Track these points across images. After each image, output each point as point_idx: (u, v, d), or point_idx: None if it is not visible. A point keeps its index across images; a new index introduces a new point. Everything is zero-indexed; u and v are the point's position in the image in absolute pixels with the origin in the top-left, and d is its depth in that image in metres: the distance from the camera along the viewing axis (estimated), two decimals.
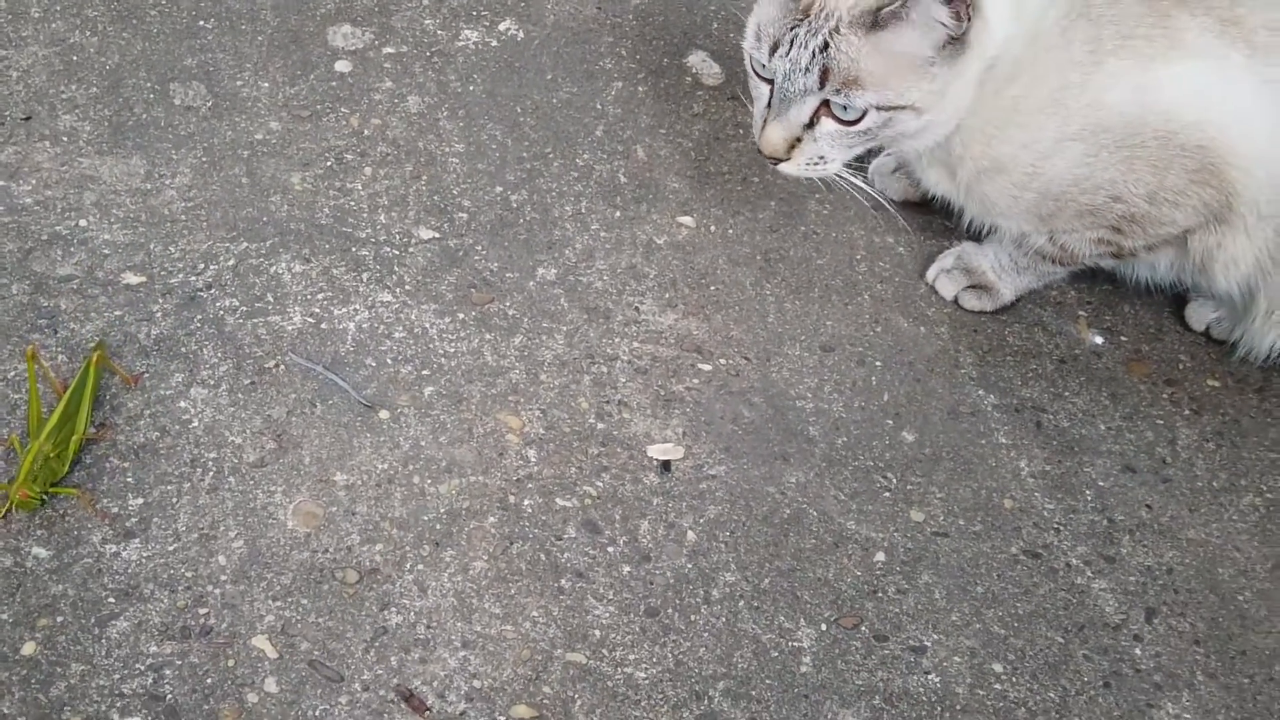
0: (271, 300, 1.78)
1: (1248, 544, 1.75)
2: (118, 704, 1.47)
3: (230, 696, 1.49)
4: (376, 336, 1.77)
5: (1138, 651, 1.64)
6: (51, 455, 1.56)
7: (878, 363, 1.84)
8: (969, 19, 1.54)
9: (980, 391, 1.83)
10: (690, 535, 1.67)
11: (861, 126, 1.59)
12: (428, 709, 1.50)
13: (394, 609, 1.57)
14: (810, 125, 1.62)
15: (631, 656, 1.57)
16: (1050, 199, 1.71)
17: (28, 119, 1.89)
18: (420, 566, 1.60)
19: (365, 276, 1.82)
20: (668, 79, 2.07)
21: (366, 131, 1.95)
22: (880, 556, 1.68)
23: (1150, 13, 1.64)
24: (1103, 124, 1.65)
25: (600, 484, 1.69)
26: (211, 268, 1.80)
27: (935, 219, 1.96)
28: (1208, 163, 1.64)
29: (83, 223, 1.81)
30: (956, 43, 1.57)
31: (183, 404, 1.69)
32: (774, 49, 1.59)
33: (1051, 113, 1.66)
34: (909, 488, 1.74)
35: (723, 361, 1.82)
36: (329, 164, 1.91)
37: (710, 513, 1.69)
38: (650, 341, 1.82)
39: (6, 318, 1.72)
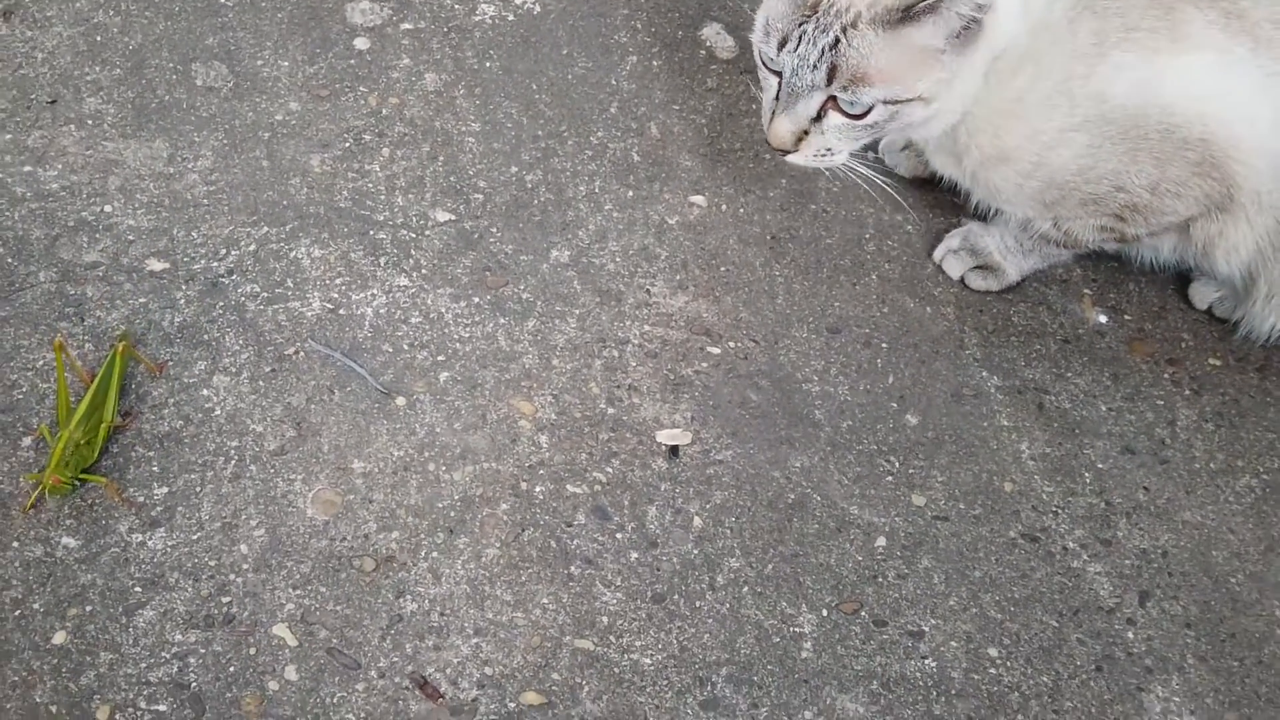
0: (291, 286, 1.75)
1: (1242, 526, 1.71)
2: (145, 692, 1.47)
3: (252, 684, 1.49)
4: (394, 322, 1.74)
5: (1130, 635, 1.62)
6: (82, 443, 1.55)
7: (884, 344, 1.80)
8: (979, 22, 1.48)
9: (984, 373, 1.79)
10: (697, 521, 1.64)
11: (868, 120, 1.55)
12: (441, 696, 1.50)
13: (409, 596, 1.55)
14: (818, 118, 1.56)
15: (638, 643, 1.56)
16: (1054, 188, 1.66)
17: (53, 102, 1.85)
18: (435, 554, 1.59)
19: (383, 260, 1.78)
20: (682, 52, 2.01)
21: (385, 111, 1.90)
22: (881, 541, 1.65)
23: (1155, 6, 1.58)
24: (1106, 116, 1.60)
25: (610, 470, 1.67)
26: (233, 253, 1.76)
27: (944, 196, 1.90)
28: (1209, 155, 1.59)
29: (108, 208, 1.78)
30: (968, 32, 1.51)
31: (205, 392, 1.67)
32: (782, 44, 1.53)
33: (1056, 104, 1.61)
34: (911, 471, 1.71)
35: (731, 344, 1.78)
36: (347, 145, 1.86)
37: (717, 498, 1.66)
38: (661, 324, 1.78)
39: (35, 306, 1.70)
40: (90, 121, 1.85)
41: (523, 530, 1.62)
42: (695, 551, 1.63)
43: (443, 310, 1.77)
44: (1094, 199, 1.66)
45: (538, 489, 1.66)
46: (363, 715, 1.48)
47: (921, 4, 1.48)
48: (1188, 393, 1.82)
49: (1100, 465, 1.75)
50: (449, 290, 1.78)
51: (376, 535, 1.60)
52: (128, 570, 1.55)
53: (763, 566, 1.63)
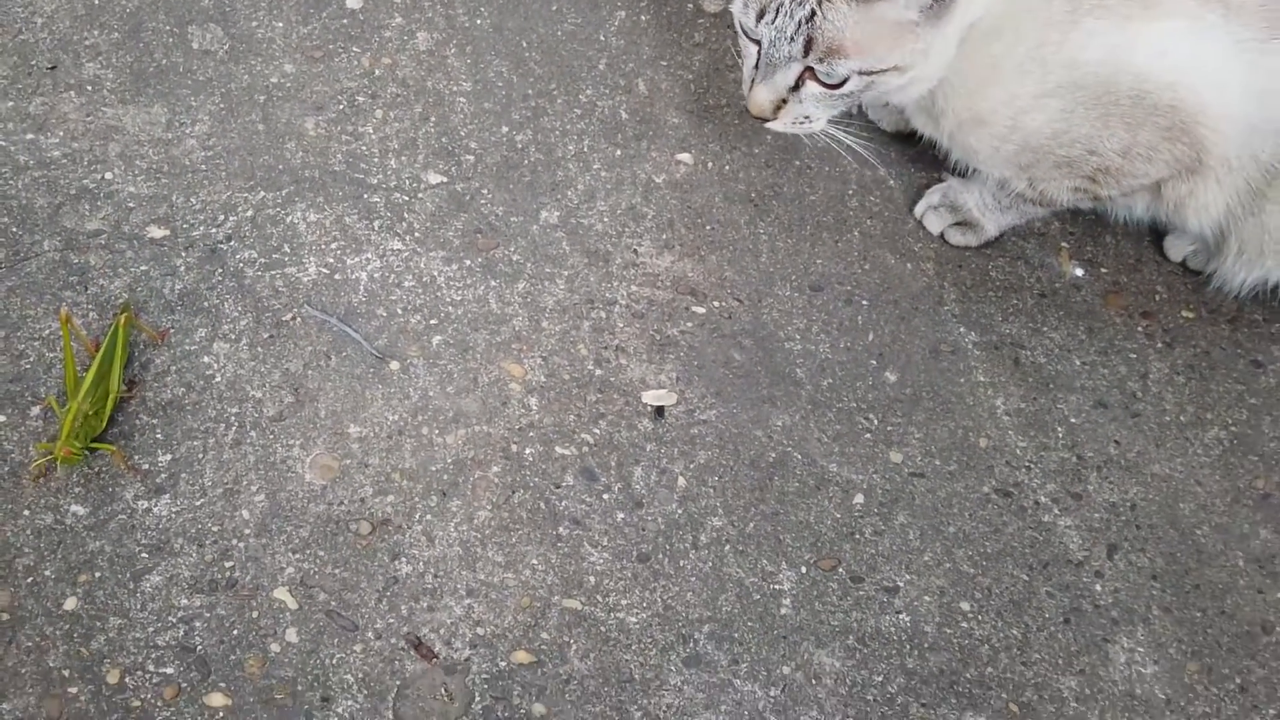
0: (288, 251, 1.73)
1: (1209, 478, 1.70)
2: (153, 655, 1.48)
3: (255, 647, 1.49)
4: (387, 286, 1.72)
5: (1098, 588, 1.61)
6: (90, 414, 1.54)
7: (864, 301, 1.78)
8: None
9: (962, 329, 1.77)
10: (681, 481, 1.63)
11: (845, 90, 1.52)
12: (435, 656, 1.50)
13: (404, 559, 1.55)
14: (795, 88, 1.52)
15: (624, 602, 1.56)
16: (1029, 150, 1.63)
17: (53, 68, 1.81)
18: (429, 517, 1.58)
19: (376, 224, 1.76)
20: (670, 6, 1.95)
21: (377, 71, 1.86)
22: (859, 499, 1.64)
23: None
24: (1079, 82, 1.56)
25: (597, 431, 1.66)
26: (231, 219, 1.74)
27: (925, 151, 1.86)
28: (1179, 121, 1.55)
29: (108, 175, 1.75)
30: (940, 3, 1.46)
31: (206, 359, 1.65)
32: (760, 15, 1.50)
33: (1030, 70, 1.57)
34: (889, 428, 1.69)
35: (716, 304, 1.75)
36: (341, 107, 1.83)
37: (700, 458, 1.65)
38: (647, 285, 1.75)
39: (41, 275, 1.68)
40: (90, 87, 1.81)
41: (513, 492, 1.62)
42: (679, 511, 1.62)
43: (435, 274, 1.74)
44: (1067, 162, 1.63)
45: (527, 451, 1.65)
46: (360, 676, 1.48)
47: None
48: (1160, 345, 1.79)
49: (1073, 420, 1.73)
50: (441, 253, 1.76)
51: (372, 499, 1.59)
52: (134, 537, 1.55)
53: (744, 525, 1.62)
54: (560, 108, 1.88)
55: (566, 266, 1.77)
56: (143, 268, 1.71)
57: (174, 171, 1.77)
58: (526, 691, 1.50)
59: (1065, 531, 1.66)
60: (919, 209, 1.85)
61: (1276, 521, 1.68)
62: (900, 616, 1.59)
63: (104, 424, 1.58)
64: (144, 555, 1.54)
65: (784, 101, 1.55)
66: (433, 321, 1.72)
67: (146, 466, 1.59)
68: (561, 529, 1.61)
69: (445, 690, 1.49)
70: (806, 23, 1.48)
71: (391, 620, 1.54)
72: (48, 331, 1.66)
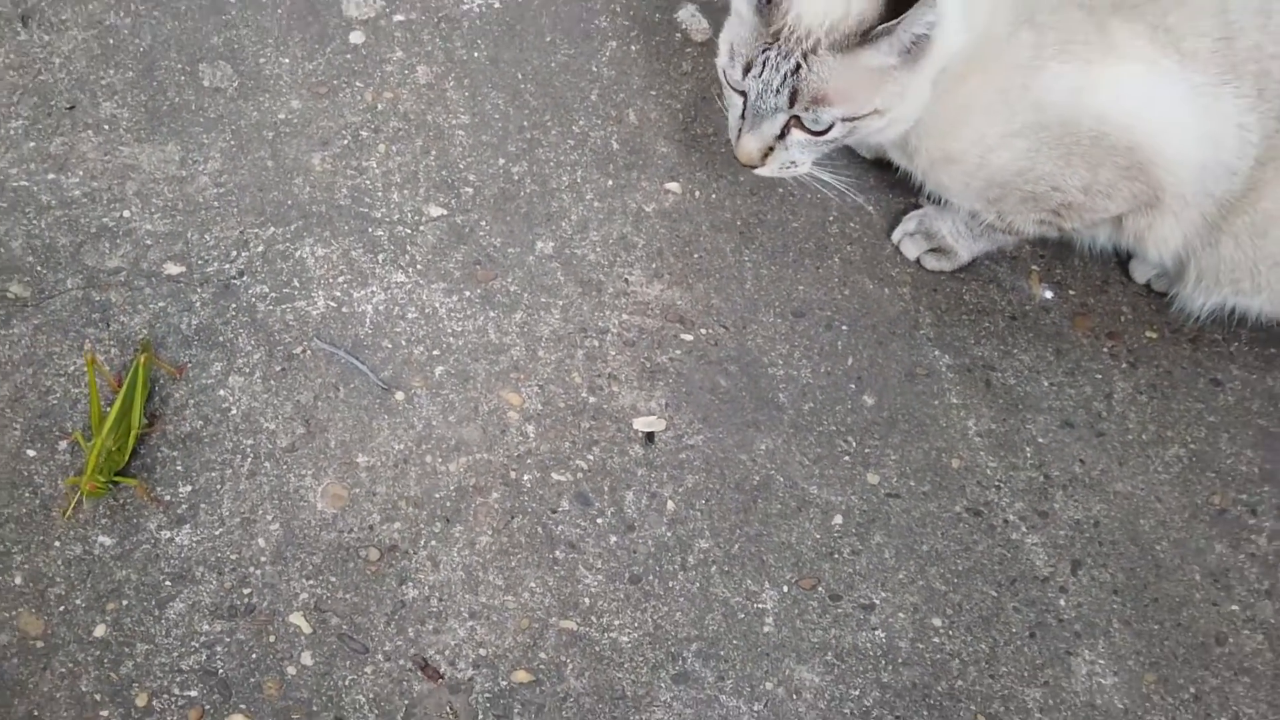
0: (297, 285, 1.75)
1: (1169, 494, 1.73)
2: (178, 679, 1.52)
3: (273, 670, 1.53)
4: (392, 318, 1.75)
5: (1062, 602, 1.65)
6: (113, 449, 1.58)
7: (844, 326, 1.80)
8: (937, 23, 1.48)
9: (936, 352, 1.79)
10: (670, 505, 1.67)
11: (829, 136, 1.55)
12: (441, 676, 1.54)
13: (410, 584, 1.59)
14: (781, 135, 1.54)
15: (616, 622, 1.59)
16: (997, 186, 1.65)
17: (72, 108, 1.83)
18: (433, 543, 1.62)
19: (381, 258, 1.78)
20: (659, 36, 1.96)
21: (380, 106, 1.87)
22: (838, 519, 1.67)
23: (1088, 20, 1.56)
24: (1043, 123, 1.58)
25: (591, 457, 1.69)
26: (243, 255, 1.76)
27: (903, 177, 1.86)
28: (1137, 161, 1.57)
29: (126, 213, 1.77)
30: (916, 47, 1.50)
31: (222, 392, 1.68)
32: (747, 69, 1.51)
33: (998, 111, 1.59)
34: (867, 450, 1.72)
35: (703, 331, 1.78)
36: (346, 142, 1.84)
37: (688, 482, 1.68)
38: (638, 313, 1.78)
39: (65, 313, 1.71)
40: (107, 126, 1.82)
41: (512, 518, 1.65)
42: (668, 534, 1.66)
43: (437, 305, 1.77)
44: (1033, 197, 1.65)
45: (525, 477, 1.68)
46: (371, 696, 1.53)
47: (879, 28, 1.46)
48: (1125, 365, 1.81)
49: (1041, 439, 1.75)
50: (442, 285, 1.78)
51: (380, 526, 1.63)
52: (158, 565, 1.59)
53: (730, 546, 1.65)
54: (554, 139, 1.89)
55: (561, 296, 1.79)
56: (161, 304, 1.73)
57: (188, 209, 1.79)
58: (526, 709, 1.54)
59: (1032, 548, 1.69)
60: (896, 235, 1.87)
61: (1231, 536, 1.71)
62: (876, 633, 1.63)
63: (126, 458, 1.62)
64: (168, 583, 1.58)
65: (771, 149, 1.57)
66: (435, 352, 1.74)
67: (168, 498, 1.62)
68: (558, 552, 1.64)
69: (450, 709, 1.54)
70: (792, 75, 1.49)
71: (399, 643, 1.57)
72: (72, 368, 1.69)
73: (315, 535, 1.63)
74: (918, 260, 1.87)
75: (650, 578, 1.64)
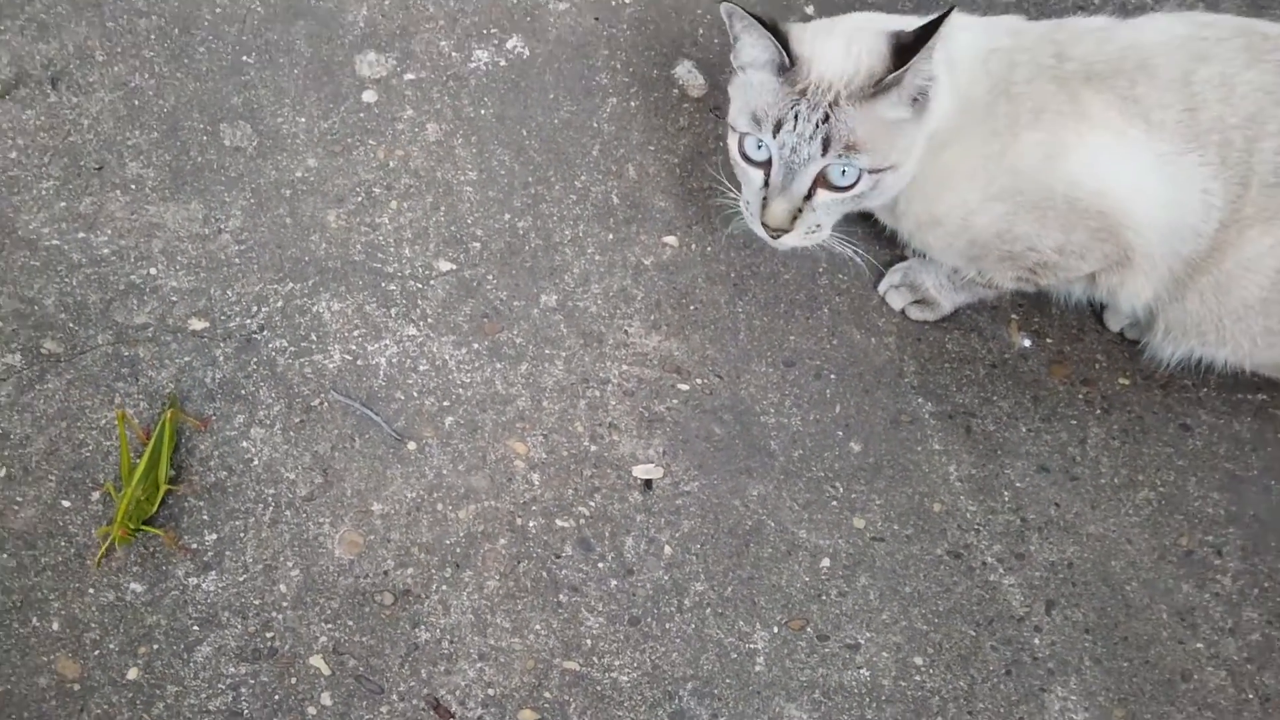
0: (315, 339, 1.80)
1: (1139, 536, 1.77)
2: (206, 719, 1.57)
3: (294, 710, 1.59)
4: (404, 370, 1.79)
5: (1036, 641, 1.69)
6: (142, 499, 1.63)
7: (832, 375, 1.84)
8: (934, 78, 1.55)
9: (920, 399, 1.83)
10: (667, 549, 1.71)
11: (855, 191, 1.60)
12: (452, 715, 1.60)
13: (423, 627, 1.64)
14: (808, 197, 1.58)
15: (617, 662, 1.64)
16: (977, 246, 1.69)
17: (100, 169, 1.87)
18: (444, 587, 1.67)
19: (393, 311, 1.82)
20: (657, 92, 1.99)
21: (391, 163, 1.91)
22: (826, 562, 1.72)
23: (1061, 91, 1.61)
24: (1019, 188, 1.62)
25: (593, 504, 1.73)
26: (263, 310, 1.80)
27: (889, 230, 1.90)
28: (1107, 224, 1.62)
29: (153, 270, 1.81)
30: (918, 104, 1.57)
31: (245, 444, 1.73)
32: (777, 127, 1.56)
33: (978, 176, 1.64)
34: (853, 496, 1.77)
35: (699, 381, 1.82)
36: (359, 199, 1.88)
37: (684, 527, 1.73)
38: (637, 364, 1.82)
39: (95, 368, 1.75)
40: (133, 186, 1.87)
41: (518, 563, 1.70)
42: (666, 577, 1.70)
43: (446, 357, 1.81)
44: (1010, 256, 1.69)
45: (531, 524, 1.72)
46: None
47: (888, 78, 1.52)
48: (1099, 411, 1.85)
49: (1018, 484, 1.80)
50: (451, 338, 1.82)
51: (394, 572, 1.68)
52: (186, 611, 1.64)
53: (723, 589, 1.70)
54: (558, 194, 1.93)
55: (564, 348, 1.84)
56: (186, 358, 1.78)
57: (211, 265, 1.83)
58: None
59: (1009, 589, 1.74)
60: (882, 287, 1.91)
61: (1197, 576, 1.76)
62: (861, 671, 1.68)
63: (155, 508, 1.67)
64: (195, 628, 1.63)
65: (799, 211, 1.60)
66: (445, 403, 1.79)
67: (195, 546, 1.68)
68: (561, 596, 1.69)
69: None
70: (822, 123, 1.55)
71: (413, 683, 1.63)
72: (104, 421, 1.73)
73: (333, 581, 1.68)
74: (903, 311, 1.91)
75: (649, 619, 1.69)
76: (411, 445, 1.77)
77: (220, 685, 1.62)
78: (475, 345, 1.84)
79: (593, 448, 1.79)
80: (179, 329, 1.81)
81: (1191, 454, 1.85)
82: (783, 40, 1.57)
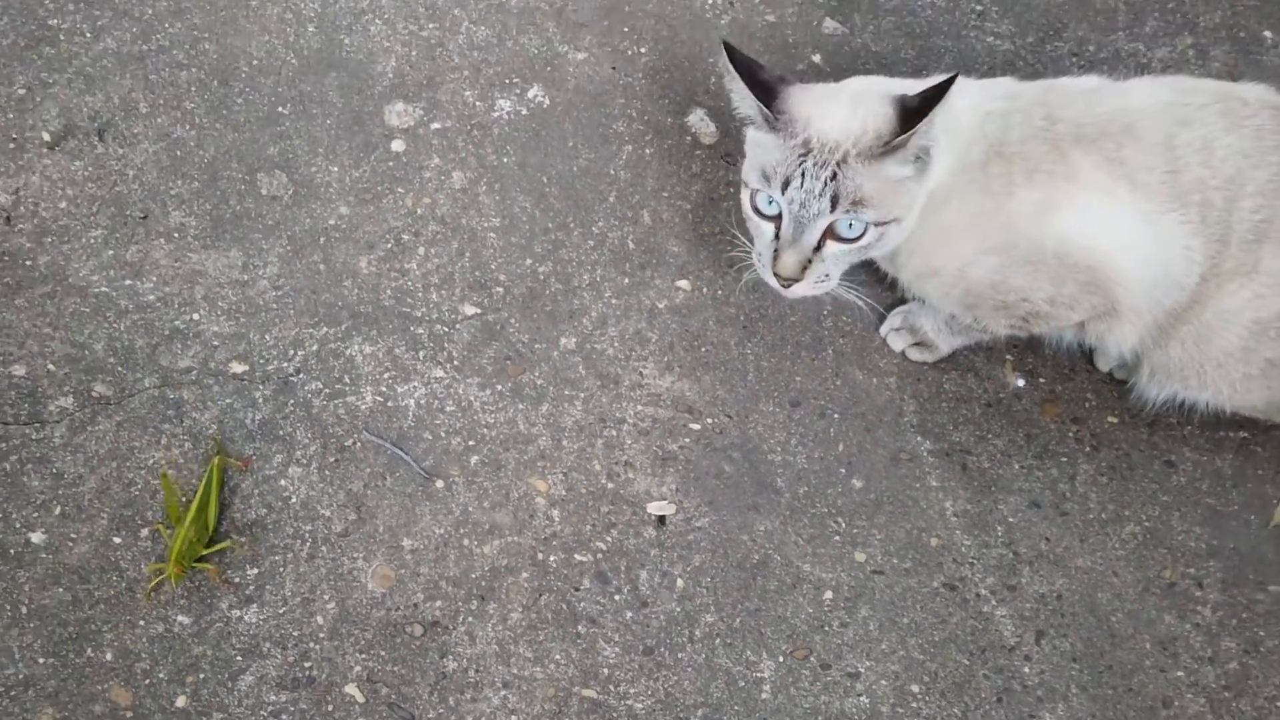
0: (348, 381, 1.85)
1: (1124, 569, 1.82)
2: None
3: None
4: (432, 411, 1.84)
5: (1026, 670, 1.74)
6: (194, 540, 1.68)
7: (836, 415, 1.89)
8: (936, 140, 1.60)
9: (919, 438, 1.88)
10: (680, 582, 1.77)
11: (862, 243, 1.65)
12: None
13: (451, 656, 1.70)
14: (817, 248, 1.63)
15: (632, 690, 1.70)
16: (973, 296, 1.74)
17: (145, 218, 1.92)
18: (470, 619, 1.73)
19: (421, 354, 1.87)
20: (671, 139, 2.03)
21: (419, 210, 1.96)
22: (829, 594, 1.77)
23: (1052, 151, 1.66)
24: (1013, 242, 1.67)
25: (609, 539, 1.79)
26: (299, 353, 1.86)
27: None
28: (1095, 278, 1.67)
29: (195, 316, 1.87)
30: (920, 162, 1.61)
31: (283, 482, 1.79)
32: (786, 184, 1.60)
33: (973, 231, 1.69)
34: (855, 530, 1.82)
35: (709, 420, 1.87)
36: (389, 246, 1.93)
37: (696, 561, 1.78)
38: (651, 404, 1.87)
39: (143, 410, 1.81)
40: (176, 234, 1.92)
41: (540, 595, 1.75)
42: (678, 609, 1.76)
43: (472, 399, 1.86)
44: (1004, 306, 1.74)
45: (551, 558, 1.78)
46: None
47: (896, 140, 1.57)
48: (1088, 449, 1.90)
49: (1011, 519, 1.85)
50: (476, 380, 1.87)
51: (424, 604, 1.74)
52: (230, 642, 1.70)
53: (732, 620, 1.76)
54: (576, 239, 1.98)
55: (583, 389, 1.89)
56: (227, 400, 1.83)
57: (250, 311, 1.89)
58: None
59: (1001, 620, 1.79)
60: (884, 329, 1.95)
61: (1179, 608, 1.81)
62: (861, 699, 1.73)
63: (203, 548, 1.72)
64: (239, 658, 1.70)
65: (809, 262, 1.64)
66: (470, 443, 1.84)
67: (237, 580, 1.73)
68: (580, 627, 1.75)
69: None
70: (831, 180, 1.59)
71: (441, 710, 1.69)
72: (151, 461, 1.79)
73: (367, 613, 1.74)
74: (903, 352, 1.95)
75: (662, 649, 1.75)
76: (439, 483, 1.82)
77: (262, 713, 1.68)
78: (499, 387, 1.89)
79: (609, 485, 1.84)
80: (220, 372, 1.86)
81: (1175, 490, 1.89)
82: (770, 94, 1.60)
